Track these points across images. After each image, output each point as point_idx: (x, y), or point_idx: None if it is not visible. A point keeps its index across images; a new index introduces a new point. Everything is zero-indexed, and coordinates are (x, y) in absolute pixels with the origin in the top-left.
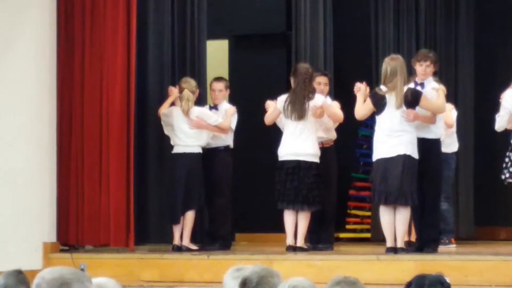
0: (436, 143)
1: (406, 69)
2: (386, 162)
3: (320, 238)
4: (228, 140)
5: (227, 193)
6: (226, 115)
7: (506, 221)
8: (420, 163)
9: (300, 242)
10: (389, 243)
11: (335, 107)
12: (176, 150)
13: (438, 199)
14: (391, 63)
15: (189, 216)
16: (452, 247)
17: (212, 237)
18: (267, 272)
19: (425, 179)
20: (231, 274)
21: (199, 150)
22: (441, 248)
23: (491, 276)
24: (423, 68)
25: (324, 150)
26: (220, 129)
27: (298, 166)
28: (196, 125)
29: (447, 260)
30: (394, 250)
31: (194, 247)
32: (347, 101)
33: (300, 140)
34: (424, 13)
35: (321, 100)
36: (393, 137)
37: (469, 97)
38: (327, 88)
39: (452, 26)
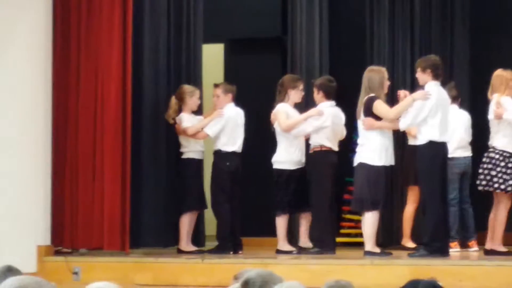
0: (422, 148)
1: (378, 81)
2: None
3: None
4: (217, 145)
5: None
6: (202, 120)
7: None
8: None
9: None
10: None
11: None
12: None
13: (430, 204)
14: (365, 75)
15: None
16: (471, 250)
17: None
18: (271, 277)
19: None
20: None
21: (193, 156)
22: (454, 252)
23: (485, 282)
24: (417, 75)
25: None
26: (192, 134)
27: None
28: (177, 130)
29: (441, 265)
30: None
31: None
32: (342, 105)
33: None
34: (419, 18)
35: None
36: (358, 147)
37: (464, 101)
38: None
39: (447, 30)
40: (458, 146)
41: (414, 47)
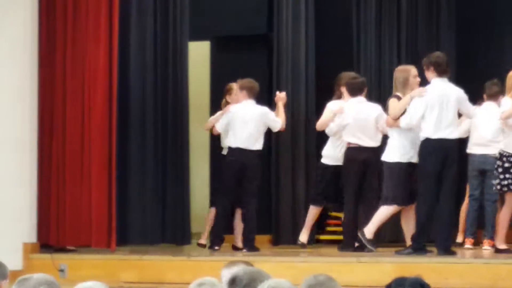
0: (420, 145)
1: (401, 80)
2: None
3: None
4: (225, 142)
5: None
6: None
7: None
8: None
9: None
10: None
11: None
12: None
13: (419, 201)
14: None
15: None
16: (485, 249)
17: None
18: (259, 274)
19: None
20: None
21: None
22: (467, 249)
23: (471, 279)
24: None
25: None
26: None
27: None
28: None
29: (427, 263)
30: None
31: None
32: (329, 100)
33: None
34: (405, 16)
35: None
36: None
37: None
38: None
39: (433, 30)
40: (475, 143)
41: (400, 44)
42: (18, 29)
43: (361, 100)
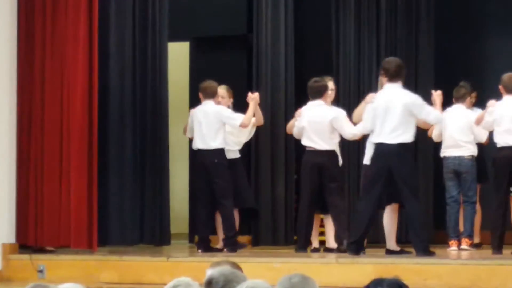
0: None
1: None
2: None
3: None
4: None
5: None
6: None
7: None
8: None
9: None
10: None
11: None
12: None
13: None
14: None
15: None
16: (464, 248)
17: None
18: (234, 276)
19: None
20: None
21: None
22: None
23: (450, 280)
24: None
25: None
26: None
27: None
28: None
29: (405, 264)
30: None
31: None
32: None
33: None
34: (385, 16)
35: None
36: None
37: (428, 101)
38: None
39: (412, 33)
40: (447, 146)
41: (379, 44)
42: None
43: (319, 103)
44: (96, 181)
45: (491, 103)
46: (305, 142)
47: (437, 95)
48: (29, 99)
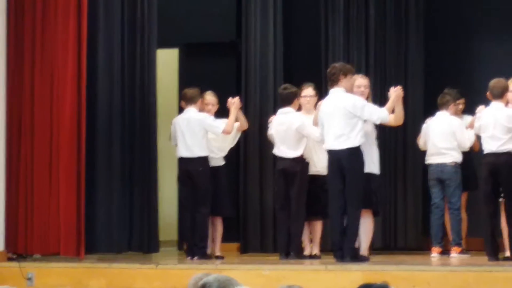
0: None
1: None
2: None
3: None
4: None
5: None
6: None
7: None
8: None
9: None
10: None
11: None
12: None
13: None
14: None
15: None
16: (452, 256)
17: None
18: (228, 282)
19: None
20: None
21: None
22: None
23: (439, 286)
24: None
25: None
26: None
27: None
28: None
29: (394, 270)
30: None
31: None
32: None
33: None
34: (374, 20)
35: None
36: None
37: (418, 105)
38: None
39: (402, 37)
40: (432, 153)
41: (368, 49)
42: None
43: (287, 110)
44: (85, 188)
45: (480, 108)
46: (274, 150)
47: (393, 90)
48: (18, 105)
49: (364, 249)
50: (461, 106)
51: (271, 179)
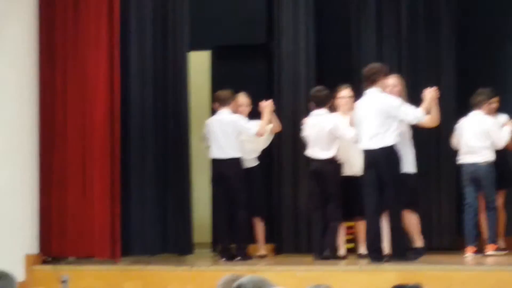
0: None
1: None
2: None
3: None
4: None
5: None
6: None
7: None
8: None
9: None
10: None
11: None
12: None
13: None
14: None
15: None
16: (489, 254)
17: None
18: (263, 284)
19: None
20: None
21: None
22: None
23: (474, 286)
24: None
25: None
26: None
27: None
28: None
29: (430, 270)
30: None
31: None
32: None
33: None
34: (406, 22)
35: None
36: None
37: (451, 108)
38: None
39: (434, 38)
40: (465, 152)
41: (401, 52)
42: (17, 43)
43: (320, 112)
44: (119, 191)
45: None
46: (307, 151)
47: (428, 91)
48: (51, 109)
49: (418, 241)
50: (495, 105)
51: (304, 180)
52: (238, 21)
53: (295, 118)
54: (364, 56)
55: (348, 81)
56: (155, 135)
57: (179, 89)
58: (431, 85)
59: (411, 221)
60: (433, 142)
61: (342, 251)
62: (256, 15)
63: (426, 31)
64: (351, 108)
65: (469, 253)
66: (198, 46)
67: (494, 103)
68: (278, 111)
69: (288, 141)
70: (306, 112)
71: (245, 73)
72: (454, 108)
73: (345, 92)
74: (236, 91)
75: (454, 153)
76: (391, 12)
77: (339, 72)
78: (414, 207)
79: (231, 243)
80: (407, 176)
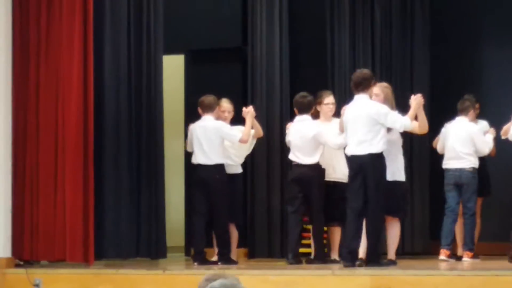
0: None
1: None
2: None
3: None
4: None
5: None
6: None
7: None
8: None
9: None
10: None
11: None
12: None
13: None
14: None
15: None
16: (465, 260)
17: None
18: (232, 286)
19: None
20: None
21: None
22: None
23: None
24: None
25: None
26: None
27: None
28: None
29: (402, 275)
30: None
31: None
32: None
33: None
34: (379, 26)
35: None
36: None
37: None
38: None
39: (407, 40)
40: (450, 157)
41: (374, 54)
42: None
43: (304, 118)
44: (92, 194)
45: None
46: (291, 156)
47: (413, 98)
48: (24, 110)
49: (391, 254)
50: (477, 111)
51: (278, 185)
52: (213, 25)
53: (269, 122)
54: (338, 61)
55: (322, 86)
56: (129, 139)
57: (153, 93)
58: (404, 86)
59: (393, 231)
60: (406, 146)
61: (334, 255)
62: (231, 18)
63: (400, 32)
64: (333, 115)
65: (443, 256)
66: (172, 49)
67: (476, 109)
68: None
69: (261, 146)
70: (281, 117)
71: (219, 77)
72: (427, 108)
73: (330, 99)
74: (211, 94)
75: (425, 157)
76: (365, 17)
77: (313, 76)
78: (401, 214)
79: (204, 247)
80: (398, 183)
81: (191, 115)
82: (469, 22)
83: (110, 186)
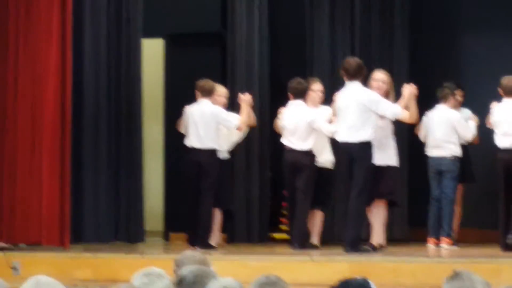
0: None
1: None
2: None
3: None
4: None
5: None
6: None
7: None
8: None
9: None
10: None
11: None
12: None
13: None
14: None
15: None
16: (443, 247)
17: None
18: (204, 273)
19: None
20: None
21: None
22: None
23: (424, 278)
24: None
25: None
26: None
27: None
28: None
29: (381, 262)
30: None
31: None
32: (283, 100)
33: None
34: (359, 13)
35: None
36: None
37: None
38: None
39: (386, 27)
40: (431, 146)
41: (354, 40)
42: None
43: (299, 103)
44: (69, 178)
45: (493, 104)
46: (283, 140)
47: (405, 87)
48: (2, 98)
49: (377, 240)
50: (459, 99)
51: (257, 170)
52: (192, 9)
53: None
54: (318, 45)
55: (301, 72)
56: (108, 123)
57: (132, 77)
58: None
59: (379, 215)
60: None
61: (314, 241)
62: (210, 3)
63: (379, 20)
64: (321, 102)
65: (431, 244)
66: (151, 33)
67: (458, 96)
68: (232, 101)
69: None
70: (260, 102)
71: (198, 61)
72: None
73: (319, 86)
74: (190, 79)
75: (403, 144)
76: (345, 5)
77: (292, 60)
78: (391, 197)
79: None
80: (389, 168)
81: (170, 100)
82: (449, 9)
83: (89, 170)
